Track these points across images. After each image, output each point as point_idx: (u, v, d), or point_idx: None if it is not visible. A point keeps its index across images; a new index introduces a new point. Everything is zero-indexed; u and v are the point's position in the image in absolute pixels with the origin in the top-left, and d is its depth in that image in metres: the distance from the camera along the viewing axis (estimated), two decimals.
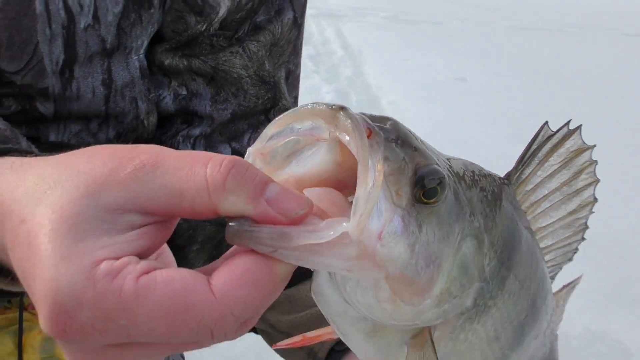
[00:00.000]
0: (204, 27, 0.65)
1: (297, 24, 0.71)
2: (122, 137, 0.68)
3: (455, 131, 3.41)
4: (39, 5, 0.57)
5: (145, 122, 0.68)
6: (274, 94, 0.70)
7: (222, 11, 0.65)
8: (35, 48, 0.58)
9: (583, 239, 0.48)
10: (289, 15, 0.69)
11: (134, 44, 0.64)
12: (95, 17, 0.60)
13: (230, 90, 0.68)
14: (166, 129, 0.70)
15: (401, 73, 4.67)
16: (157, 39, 0.67)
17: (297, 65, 0.75)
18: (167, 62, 0.66)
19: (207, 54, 0.66)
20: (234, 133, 0.70)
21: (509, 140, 3.27)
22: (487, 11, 8.05)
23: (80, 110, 0.64)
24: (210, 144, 0.69)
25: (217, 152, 0.58)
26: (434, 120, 3.51)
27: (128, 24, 0.62)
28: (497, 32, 6.91)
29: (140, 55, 0.65)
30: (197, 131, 0.68)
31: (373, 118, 0.33)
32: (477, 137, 3.34)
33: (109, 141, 0.67)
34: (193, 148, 0.68)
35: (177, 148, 0.65)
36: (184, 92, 0.68)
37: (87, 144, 0.67)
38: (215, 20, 0.65)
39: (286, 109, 0.48)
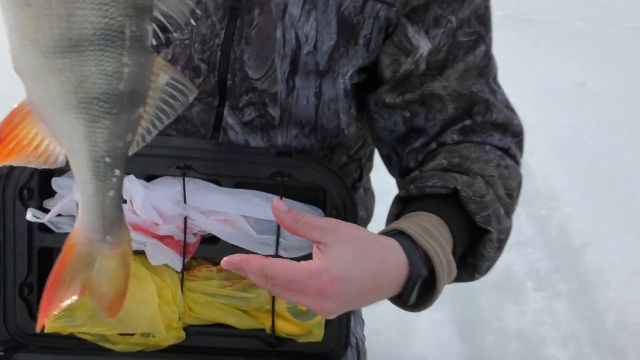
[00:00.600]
0: (412, 67, 0.82)
1: (488, 56, 0.84)
2: (326, 141, 0.90)
3: (575, 139, 3.42)
4: (278, 33, 0.79)
5: (346, 131, 0.90)
6: (470, 102, 0.83)
7: (424, 50, 0.81)
8: (272, 62, 0.81)
9: None
10: (481, 49, 0.83)
11: (341, 70, 0.83)
12: (315, 46, 0.80)
13: (436, 107, 0.83)
14: (407, 143, 0.88)
15: (519, 75, 4.68)
16: (380, 81, 0.89)
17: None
18: (387, 100, 0.85)
19: (416, 89, 0.83)
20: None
21: (631, 150, 3.25)
22: (611, 11, 7.73)
23: (297, 115, 0.85)
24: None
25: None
26: (554, 127, 3.54)
27: (337, 55, 0.81)
28: (620, 34, 6.65)
29: (346, 79, 0.84)
30: (417, 143, 0.86)
31: None
32: (597, 146, 3.33)
33: (317, 142, 0.88)
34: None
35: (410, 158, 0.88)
36: (408, 114, 0.85)
37: (303, 146, 0.95)
38: (420, 59, 0.82)
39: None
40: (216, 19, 0.80)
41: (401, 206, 0.80)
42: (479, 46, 0.82)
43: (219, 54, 0.81)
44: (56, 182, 0.87)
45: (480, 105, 0.82)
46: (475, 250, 0.76)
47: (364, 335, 1.14)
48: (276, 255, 0.86)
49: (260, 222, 0.86)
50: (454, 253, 0.69)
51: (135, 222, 0.82)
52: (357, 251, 0.60)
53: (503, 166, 0.79)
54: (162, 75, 0.51)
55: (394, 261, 0.62)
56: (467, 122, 0.82)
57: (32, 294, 0.89)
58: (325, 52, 0.81)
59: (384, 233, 0.69)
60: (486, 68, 0.84)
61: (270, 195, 0.86)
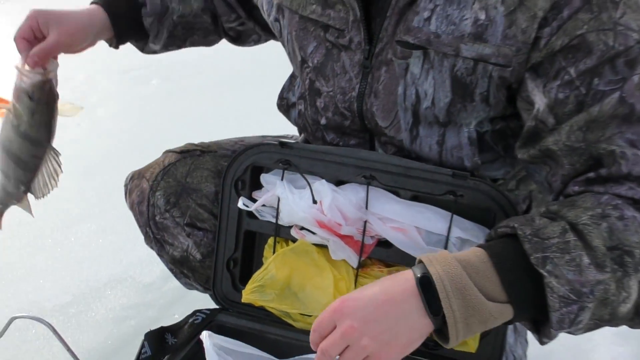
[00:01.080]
0: (533, 123, 0.80)
1: (624, 103, 0.73)
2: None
3: None
4: (400, 89, 0.89)
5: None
6: (588, 155, 0.77)
7: (539, 105, 0.79)
8: (396, 114, 0.91)
9: None
10: (613, 96, 0.74)
11: (463, 122, 0.89)
12: (433, 102, 0.88)
13: (554, 163, 0.81)
14: None
15: None
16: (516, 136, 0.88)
17: None
18: (519, 155, 0.86)
19: (536, 145, 0.81)
20: None
21: None
22: None
23: (423, 159, 0.95)
24: None
25: None
26: None
27: (455, 110, 0.88)
28: None
29: (471, 129, 0.90)
30: (550, 198, 0.85)
31: None
32: None
33: None
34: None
35: None
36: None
37: None
38: (538, 115, 0.79)
39: None
40: (353, 74, 0.93)
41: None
42: (609, 95, 0.73)
43: (355, 104, 0.94)
44: (264, 178, 1.04)
45: (606, 158, 0.74)
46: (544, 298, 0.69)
47: (525, 356, 1.16)
48: None
49: (430, 235, 0.94)
50: (502, 281, 0.68)
51: (321, 220, 0.96)
52: (366, 286, 0.72)
53: (615, 217, 0.69)
54: None
55: (402, 276, 0.70)
56: (590, 174, 0.75)
57: (236, 267, 1.08)
58: (443, 108, 0.88)
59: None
60: (623, 116, 0.73)
61: (442, 211, 0.94)
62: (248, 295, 1.01)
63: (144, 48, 1.17)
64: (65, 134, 1.98)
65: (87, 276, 1.96)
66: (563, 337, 1.34)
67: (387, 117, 0.92)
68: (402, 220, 0.94)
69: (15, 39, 0.93)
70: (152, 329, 0.92)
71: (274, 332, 1.02)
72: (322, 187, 0.96)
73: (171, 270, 1.19)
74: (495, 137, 0.92)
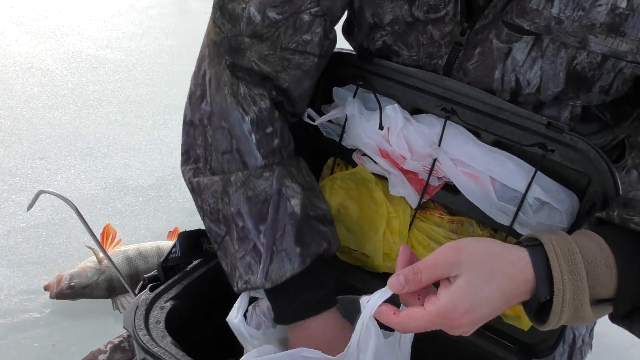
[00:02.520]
0: None
1: None
2: None
3: None
4: (497, 74, 0.77)
5: None
6: None
7: None
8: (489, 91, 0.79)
9: None
10: None
11: (570, 102, 0.78)
12: (538, 90, 0.76)
13: None
14: None
15: None
16: None
17: None
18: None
19: None
20: None
21: None
22: None
23: None
24: None
25: None
26: None
27: (565, 97, 0.76)
28: None
29: (577, 104, 0.79)
30: None
31: None
32: None
33: None
34: None
35: None
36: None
37: None
38: None
39: None
40: (443, 42, 0.80)
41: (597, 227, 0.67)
42: None
43: (441, 72, 0.82)
44: (336, 92, 0.94)
45: None
46: None
47: (589, 335, 1.03)
48: (510, 229, 0.81)
49: (504, 189, 0.80)
50: (618, 289, 0.60)
51: (385, 149, 0.85)
52: (483, 274, 0.57)
53: None
54: None
55: (523, 277, 0.58)
56: None
57: None
58: (550, 95, 0.76)
59: (526, 240, 0.63)
60: None
61: (526, 164, 0.80)
62: None
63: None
64: None
65: (175, 163, 2.01)
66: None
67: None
68: (477, 166, 0.81)
69: None
70: (188, 230, 0.88)
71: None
72: (393, 112, 0.84)
73: None
74: (606, 107, 0.80)
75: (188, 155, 0.83)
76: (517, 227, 0.81)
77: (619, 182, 0.74)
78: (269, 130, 0.79)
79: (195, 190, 0.80)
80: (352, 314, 0.77)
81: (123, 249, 1.49)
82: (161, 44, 2.99)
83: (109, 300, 1.44)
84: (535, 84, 0.76)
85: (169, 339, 0.78)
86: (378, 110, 0.86)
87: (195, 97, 0.81)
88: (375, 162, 0.89)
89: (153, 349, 0.76)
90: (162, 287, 0.86)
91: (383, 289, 0.62)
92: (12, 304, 1.43)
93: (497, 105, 0.80)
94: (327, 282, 0.79)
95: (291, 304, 0.77)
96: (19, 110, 2.19)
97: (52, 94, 2.33)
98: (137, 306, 0.82)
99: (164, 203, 1.87)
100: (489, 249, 0.59)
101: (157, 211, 1.83)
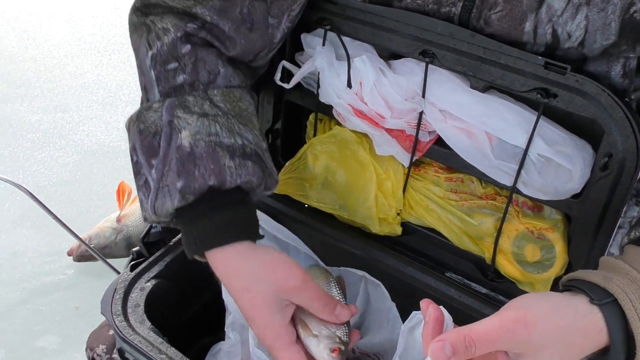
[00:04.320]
0: None
1: None
2: None
3: None
4: (528, 26, 0.62)
5: None
6: None
7: None
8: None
9: None
10: None
11: (622, 55, 0.63)
12: (582, 44, 0.62)
13: None
14: None
15: None
16: None
17: None
18: None
19: None
20: None
21: None
22: None
23: None
24: None
25: None
26: None
27: (615, 50, 0.61)
28: None
29: (630, 57, 0.63)
30: None
31: None
32: None
33: None
34: None
35: None
36: None
37: None
38: None
39: None
40: None
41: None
42: None
43: (456, 19, 0.66)
44: (305, 39, 0.80)
45: None
46: None
47: None
48: (514, 188, 0.68)
49: (502, 145, 0.67)
50: None
51: (359, 108, 0.73)
52: (555, 355, 0.49)
53: None
54: None
55: (595, 345, 0.51)
56: None
57: (276, 140, 0.91)
58: (597, 49, 0.62)
59: (596, 295, 0.51)
60: None
61: (526, 112, 0.66)
62: (282, 186, 0.85)
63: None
64: None
65: None
66: None
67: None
68: (469, 119, 0.68)
69: None
70: None
71: (315, 225, 0.87)
72: (362, 64, 0.71)
73: None
74: None
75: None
76: (520, 187, 0.69)
77: (637, 127, 0.59)
78: (172, 66, 0.70)
79: None
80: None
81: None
82: None
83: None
84: (579, 37, 0.62)
85: (148, 324, 0.73)
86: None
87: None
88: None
89: (129, 337, 0.71)
90: (142, 265, 0.81)
91: None
92: (35, 267, 1.46)
93: (482, 45, 0.65)
94: (222, 215, 0.66)
95: (190, 234, 0.67)
96: (41, 61, 2.15)
97: (74, 41, 2.27)
98: (116, 289, 0.78)
99: None
100: (562, 322, 0.49)
101: None
